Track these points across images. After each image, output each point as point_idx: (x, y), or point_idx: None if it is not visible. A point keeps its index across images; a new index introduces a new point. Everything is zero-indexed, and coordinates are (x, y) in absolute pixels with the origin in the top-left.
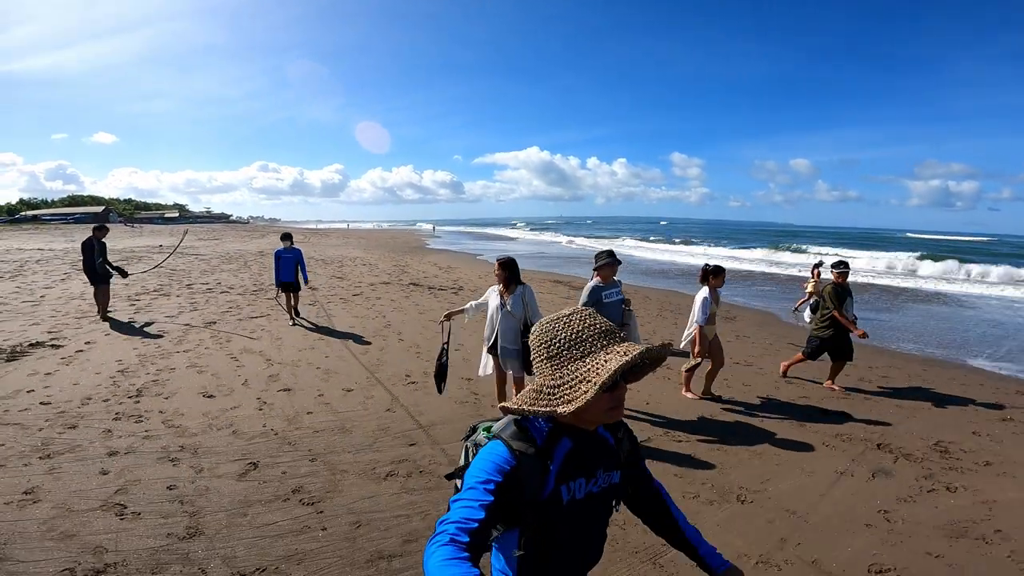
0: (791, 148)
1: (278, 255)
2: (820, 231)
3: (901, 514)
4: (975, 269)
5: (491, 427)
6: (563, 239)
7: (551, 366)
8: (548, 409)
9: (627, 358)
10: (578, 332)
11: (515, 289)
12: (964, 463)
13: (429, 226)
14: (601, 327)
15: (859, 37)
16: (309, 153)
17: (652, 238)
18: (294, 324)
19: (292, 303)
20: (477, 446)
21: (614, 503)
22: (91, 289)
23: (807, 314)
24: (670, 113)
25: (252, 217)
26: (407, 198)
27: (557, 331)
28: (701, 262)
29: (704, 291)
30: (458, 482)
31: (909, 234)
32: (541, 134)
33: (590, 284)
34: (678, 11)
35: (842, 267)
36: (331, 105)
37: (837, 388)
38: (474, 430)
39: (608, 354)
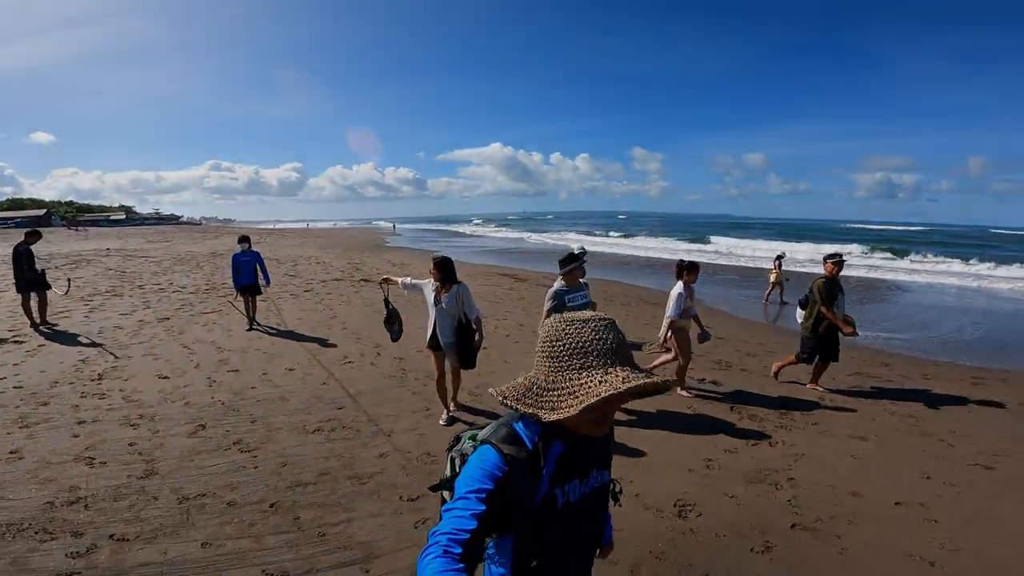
0: (746, 142)
1: (236, 258)
2: (771, 222)
3: (720, 462)
4: (909, 257)
5: (476, 435)
6: (525, 235)
7: (548, 366)
8: (532, 411)
9: (620, 389)
10: (585, 343)
11: (451, 288)
12: (797, 423)
13: (389, 224)
14: (610, 344)
15: (813, 33)
16: (266, 151)
17: (611, 233)
18: (251, 329)
19: (252, 308)
20: (463, 455)
21: (610, 500)
22: (30, 296)
23: (798, 312)
24: (631, 108)
25: (205, 218)
26: (369, 196)
27: (565, 334)
28: (657, 255)
29: (679, 286)
30: (445, 493)
31: (853, 225)
32: (505, 130)
33: (553, 288)
34: (639, 7)
35: (836, 258)
36: (289, 102)
37: (821, 389)
38: (458, 440)
39: (606, 376)
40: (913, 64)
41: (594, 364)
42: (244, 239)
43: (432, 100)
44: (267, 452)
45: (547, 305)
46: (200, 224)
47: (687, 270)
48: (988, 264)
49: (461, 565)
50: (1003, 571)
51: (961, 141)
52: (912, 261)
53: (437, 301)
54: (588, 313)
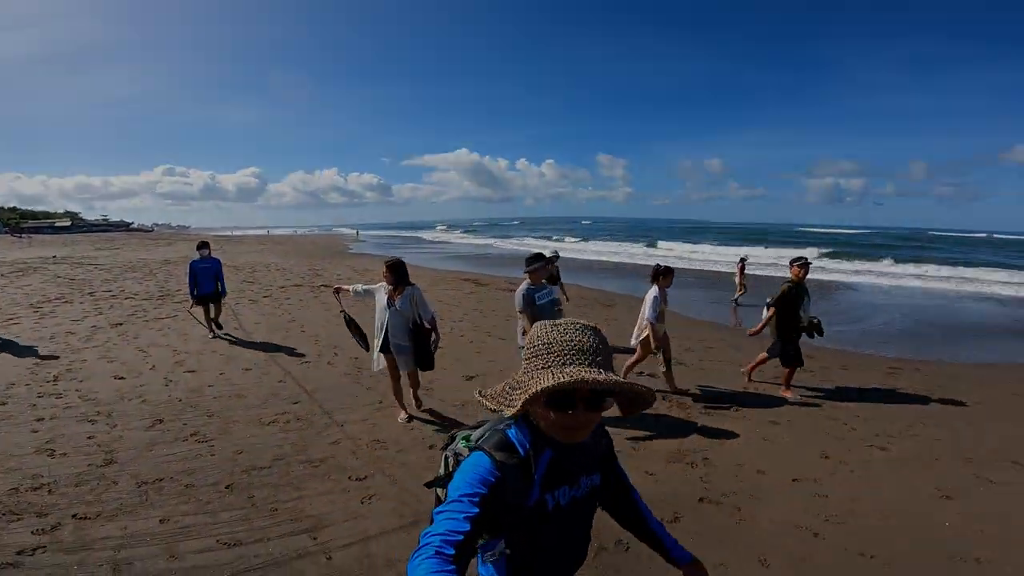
0: (708, 149)
1: (195, 266)
2: (729, 227)
3: (645, 444)
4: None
5: (470, 436)
6: (489, 241)
7: (524, 365)
8: (497, 407)
9: (558, 381)
10: (554, 342)
11: (404, 290)
12: (720, 411)
13: (352, 231)
14: (578, 345)
15: (770, 41)
16: (223, 156)
17: (568, 239)
18: (214, 337)
19: (214, 315)
20: (457, 455)
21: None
22: None
23: (764, 312)
24: (597, 115)
25: (157, 224)
26: (332, 202)
27: (541, 335)
28: (617, 259)
29: (654, 290)
30: (439, 491)
31: (805, 228)
32: (471, 136)
33: (522, 287)
34: (604, 15)
35: (801, 261)
36: (248, 105)
37: (791, 394)
38: (453, 439)
39: (559, 373)
40: (862, 73)
41: (554, 363)
42: (203, 245)
43: (398, 104)
44: (223, 442)
45: (518, 305)
46: (152, 231)
47: (662, 274)
48: (924, 265)
49: (453, 567)
50: (881, 543)
51: (905, 146)
52: (857, 262)
53: (390, 304)
54: (572, 319)
